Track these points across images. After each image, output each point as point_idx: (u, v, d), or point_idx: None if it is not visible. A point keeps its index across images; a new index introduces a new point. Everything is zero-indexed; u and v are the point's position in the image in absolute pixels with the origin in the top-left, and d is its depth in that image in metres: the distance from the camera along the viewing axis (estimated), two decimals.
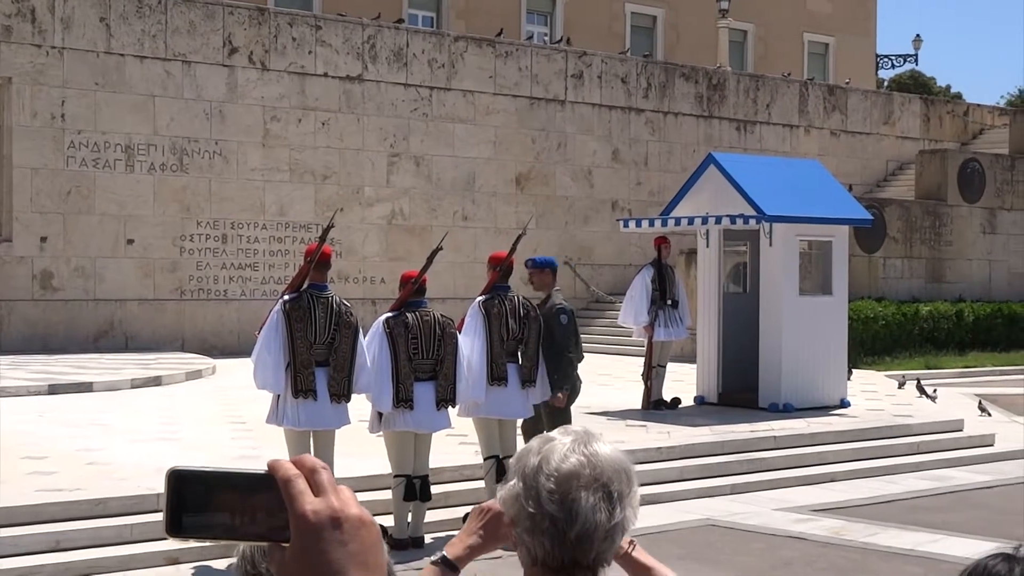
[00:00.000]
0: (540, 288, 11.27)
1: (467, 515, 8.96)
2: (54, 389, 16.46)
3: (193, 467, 1.35)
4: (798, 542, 10.31)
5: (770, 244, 16.05)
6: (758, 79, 32.28)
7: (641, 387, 16.10)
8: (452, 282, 24.70)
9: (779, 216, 15.78)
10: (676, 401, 16.06)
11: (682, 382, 17.60)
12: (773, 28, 41.74)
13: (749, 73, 34.26)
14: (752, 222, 15.82)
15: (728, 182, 16.10)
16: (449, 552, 2.54)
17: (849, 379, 17.12)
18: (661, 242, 16.18)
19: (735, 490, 12.40)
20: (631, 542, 2.53)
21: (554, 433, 2.28)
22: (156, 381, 17.83)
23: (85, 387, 16.82)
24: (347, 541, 1.30)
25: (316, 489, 1.32)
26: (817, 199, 16.60)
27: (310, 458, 1.35)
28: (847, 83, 36.05)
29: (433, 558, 2.56)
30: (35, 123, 21.71)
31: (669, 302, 15.96)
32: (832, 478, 13.14)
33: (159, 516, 9.40)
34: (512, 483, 2.23)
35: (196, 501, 1.33)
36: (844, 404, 16.18)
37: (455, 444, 12.00)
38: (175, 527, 1.34)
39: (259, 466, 1.36)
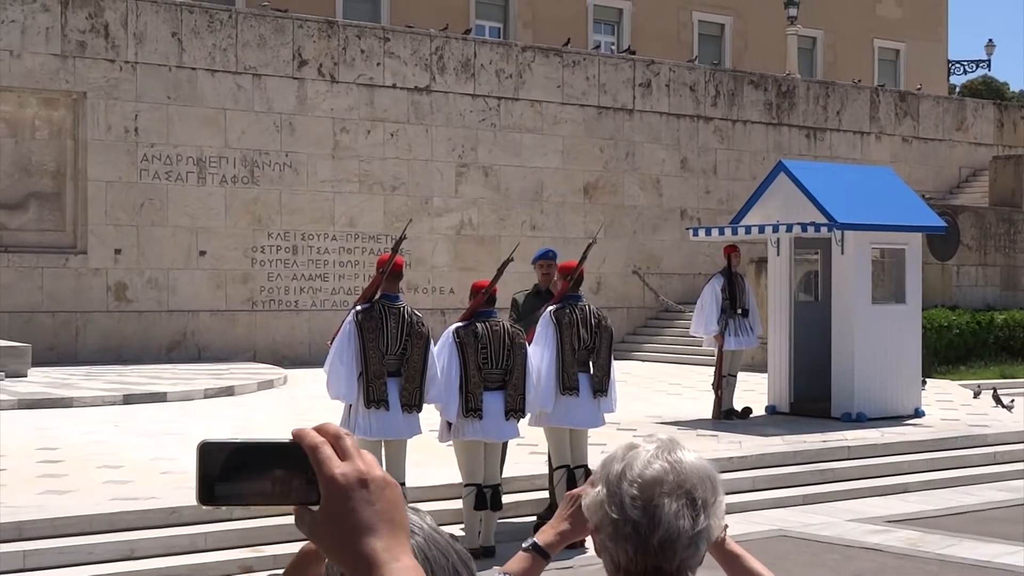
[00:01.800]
0: (550, 281, 11.09)
1: (537, 524, 8.91)
2: (129, 399, 16.66)
3: (222, 438, 1.43)
4: (873, 553, 10.18)
5: (842, 252, 15.88)
6: (828, 86, 32.01)
7: (712, 396, 16.00)
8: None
9: (851, 224, 15.63)
10: (747, 411, 15.95)
11: (753, 391, 17.47)
12: (843, 35, 41.38)
13: (819, 80, 33.98)
14: (823, 230, 15.68)
15: (799, 190, 15.97)
16: (540, 539, 2.55)
17: (923, 388, 16.91)
18: (731, 251, 16.08)
19: (807, 501, 12.28)
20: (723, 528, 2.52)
21: (638, 440, 2.27)
22: (229, 391, 17.99)
23: (159, 397, 17.00)
24: (374, 500, 1.39)
25: (341, 454, 1.41)
26: (889, 206, 16.42)
27: (333, 425, 1.44)
28: (918, 89, 35.65)
29: (524, 545, 2.57)
30: (109, 137, 22.02)
31: (739, 311, 15.85)
32: (906, 489, 12.97)
33: (232, 525, 9.42)
34: (596, 490, 2.23)
35: (226, 471, 1.42)
36: (918, 414, 15.97)
37: (526, 453, 11.99)
38: (207, 496, 1.43)
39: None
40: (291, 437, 1.43)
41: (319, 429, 1.44)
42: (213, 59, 22.94)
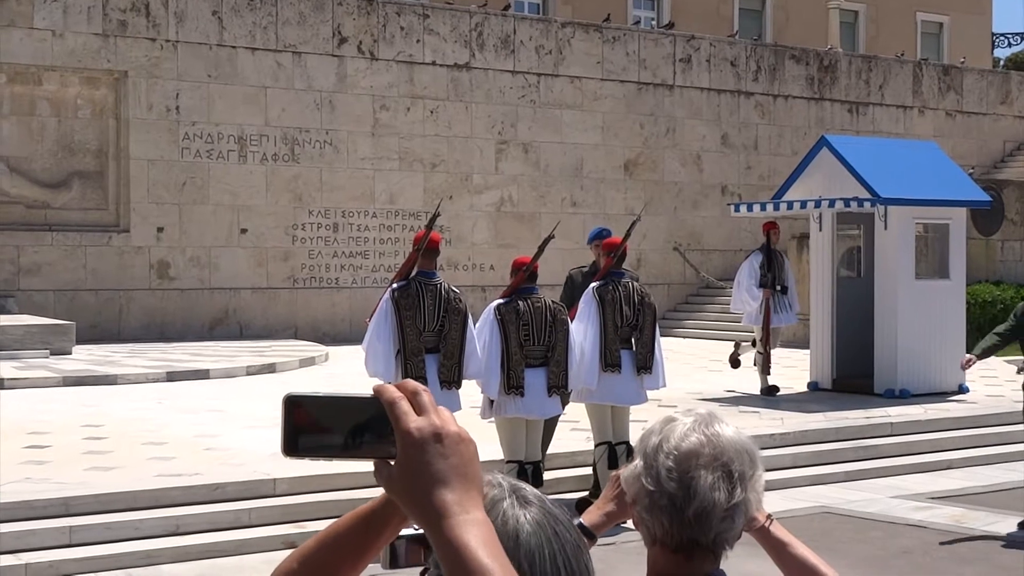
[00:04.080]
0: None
1: (579, 500, 8.86)
2: (172, 376, 16.78)
3: (306, 392, 1.50)
4: (917, 530, 10.12)
5: (885, 227, 15.76)
6: (870, 60, 31.71)
7: (759, 369, 15.94)
8: (561, 268, 24.65)
9: (894, 199, 15.50)
10: (774, 388, 15.77)
11: (795, 368, 17.39)
12: (885, 8, 40.96)
13: (861, 54, 33.67)
14: (866, 205, 15.56)
15: (842, 164, 15.85)
16: (586, 520, 2.55)
17: None
18: (770, 227, 15.99)
19: (850, 477, 12.23)
20: (768, 516, 2.50)
21: (677, 413, 2.27)
22: (270, 368, 18.08)
23: (202, 374, 17.12)
24: (448, 455, 1.46)
25: (418, 409, 1.48)
26: (933, 181, 16.27)
27: (411, 382, 1.50)
28: (962, 62, 35.26)
29: None
30: (151, 116, 22.14)
31: (778, 288, 15.77)
32: (949, 465, 12.89)
33: (275, 501, 9.45)
34: (635, 463, 2.23)
35: (310, 424, 1.49)
36: (962, 390, 15.85)
37: (567, 430, 11.99)
38: (291, 448, 1.50)
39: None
40: (372, 392, 1.50)
41: (399, 385, 1.50)
42: (253, 37, 22.98)
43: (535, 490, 1.71)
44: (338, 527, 1.65)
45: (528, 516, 1.66)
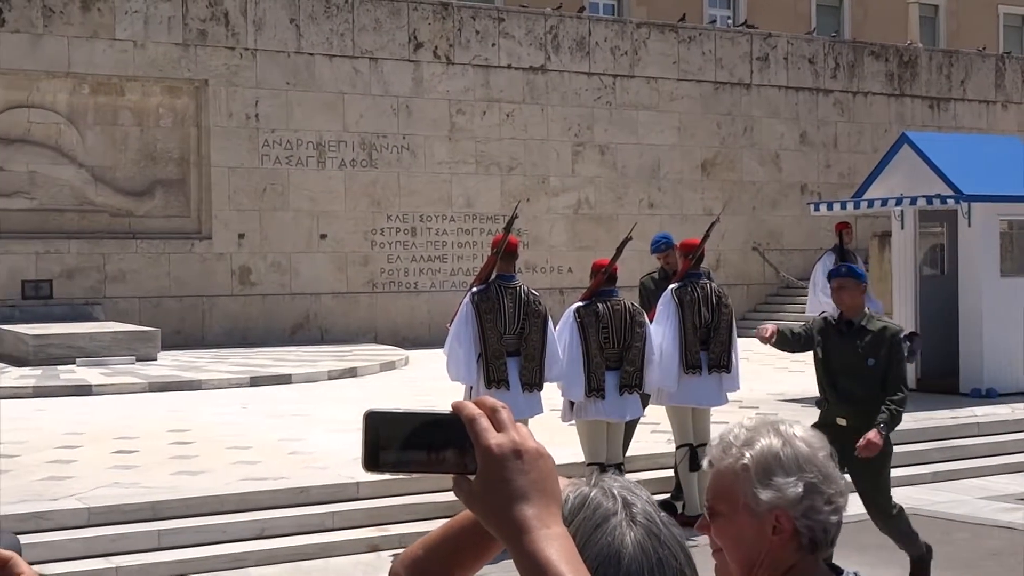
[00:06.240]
0: (674, 264, 11.14)
1: (661, 503, 8.73)
2: (255, 381, 16.96)
3: (387, 408, 1.52)
4: (1005, 532, 9.97)
5: (969, 225, 15.54)
6: (951, 55, 31.27)
7: None
8: (639, 269, 24.56)
9: (978, 195, 15.28)
10: None
11: None
12: (965, 1, 40.37)
13: (941, 49, 33.22)
14: (949, 202, 15.36)
15: (923, 161, 15.66)
16: None
17: None
18: (842, 227, 15.87)
19: (937, 478, 12.06)
20: None
21: (744, 431, 2.29)
22: (352, 372, 18.22)
23: (284, 379, 17.28)
24: (528, 470, 1.48)
25: (498, 426, 1.50)
26: (1017, 176, 16.02)
27: (490, 399, 1.53)
28: None
29: None
30: (231, 123, 22.40)
31: None
32: None
33: (359, 504, 9.51)
34: (784, 491, 2.23)
35: (390, 439, 1.51)
36: None
37: (647, 432, 11.95)
38: (372, 463, 1.52)
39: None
40: (451, 409, 1.52)
41: (477, 402, 1.52)
42: (330, 44, 23.19)
43: (646, 505, 1.71)
44: (463, 519, 1.69)
45: (634, 537, 1.66)
